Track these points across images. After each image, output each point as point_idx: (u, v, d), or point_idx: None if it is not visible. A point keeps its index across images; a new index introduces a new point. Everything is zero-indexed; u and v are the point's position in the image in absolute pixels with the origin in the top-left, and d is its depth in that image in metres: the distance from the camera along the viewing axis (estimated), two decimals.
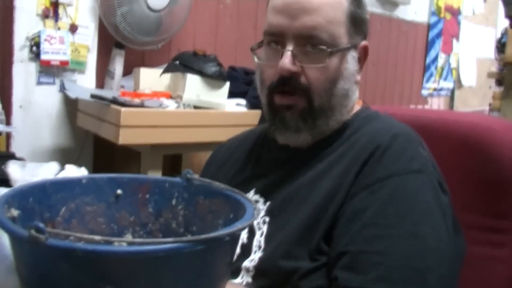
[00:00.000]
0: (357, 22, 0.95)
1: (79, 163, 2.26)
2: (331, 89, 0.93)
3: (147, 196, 0.77)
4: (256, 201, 0.96)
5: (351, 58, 0.95)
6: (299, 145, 0.97)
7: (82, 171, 0.96)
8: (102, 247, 0.49)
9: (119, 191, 0.76)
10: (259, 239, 0.92)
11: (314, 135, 0.96)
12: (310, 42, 0.91)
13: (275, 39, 0.94)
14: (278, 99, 0.95)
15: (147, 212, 0.77)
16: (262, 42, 0.97)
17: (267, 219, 0.93)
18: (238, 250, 0.91)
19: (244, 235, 0.93)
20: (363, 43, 0.99)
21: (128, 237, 0.76)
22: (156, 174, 1.98)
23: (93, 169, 2.35)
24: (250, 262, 0.90)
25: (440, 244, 0.81)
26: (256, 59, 0.99)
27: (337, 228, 0.86)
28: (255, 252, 0.91)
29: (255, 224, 0.93)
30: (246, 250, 0.92)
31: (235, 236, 0.61)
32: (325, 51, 0.91)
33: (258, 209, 0.67)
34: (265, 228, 0.92)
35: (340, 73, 0.94)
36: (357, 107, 1.03)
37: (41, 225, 0.48)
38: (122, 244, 0.51)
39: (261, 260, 0.89)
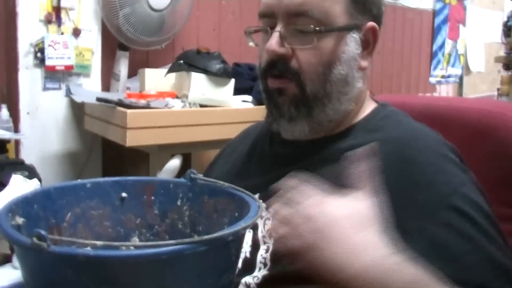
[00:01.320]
0: (360, 0, 0.87)
1: (88, 167, 2.29)
2: (325, 74, 0.86)
3: (152, 197, 0.77)
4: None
5: (352, 40, 0.87)
6: (296, 138, 0.91)
7: (32, 182, 0.95)
8: (104, 252, 0.49)
9: (124, 194, 0.76)
10: (264, 256, 0.83)
11: (311, 125, 0.88)
12: (299, 21, 0.84)
13: (268, 21, 0.89)
14: (270, 82, 0.90)
15: (152, 213, 0.77)
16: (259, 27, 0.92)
17: None
18: (240, 265, 0.81)
19: (246, 249, 0.86)
20: (370, 24, 0.88)
21: (135, 240, 0.76)
22: None
23: (103, 171, 2.36)
24: (253, 278, 0.81)
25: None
26: (250, 42, 0.95)
27: None
28: (260, 269, 0.83)
29: (260, 238, 0.86)
30: (249, 266, 0.83)
31: (239, 235, 0.61)
32: (315, 31, 0.83)
33: (262, 206, 0.66)
34: (271, 243, 0.84)
35: (336, 56, 0.86)
36: (370, 103, 0.96)
37: (43, 232, 0.48)
38: (122, 248, 0.51)
39: (265, 279, 0.81)
